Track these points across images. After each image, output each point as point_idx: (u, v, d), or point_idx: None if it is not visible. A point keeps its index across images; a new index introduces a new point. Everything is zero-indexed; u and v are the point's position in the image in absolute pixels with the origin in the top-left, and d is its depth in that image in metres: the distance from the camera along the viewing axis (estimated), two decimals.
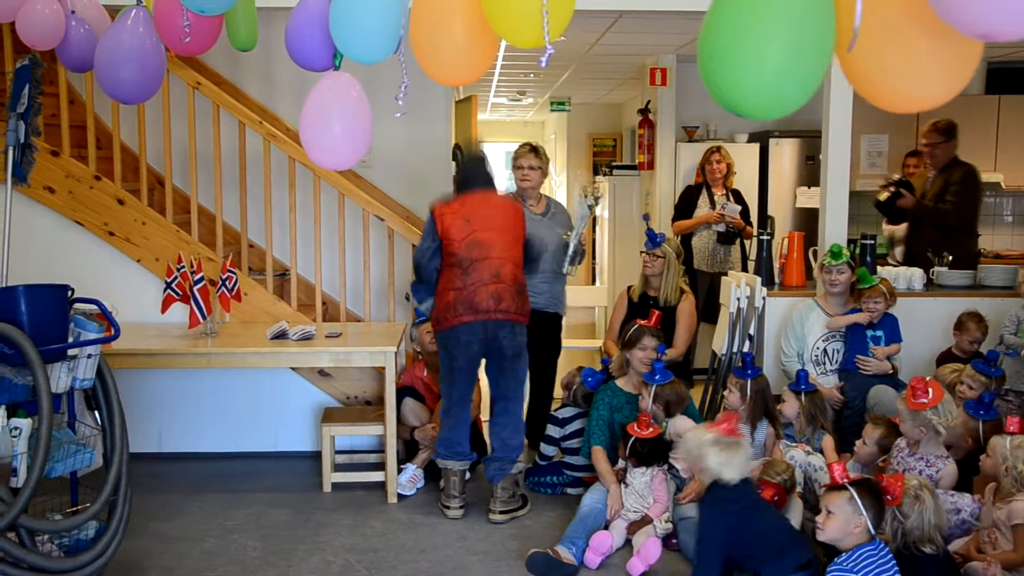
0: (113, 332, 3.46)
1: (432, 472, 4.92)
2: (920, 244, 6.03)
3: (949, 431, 3.65)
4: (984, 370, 4.39)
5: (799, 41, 1.71)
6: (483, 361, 4.60)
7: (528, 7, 2.27)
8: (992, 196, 8.17)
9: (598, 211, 5.44)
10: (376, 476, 4.94)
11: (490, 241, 4.45)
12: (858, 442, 3.95)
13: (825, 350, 5.03)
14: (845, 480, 3.18)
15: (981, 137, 7.74)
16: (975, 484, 3.72)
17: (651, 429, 4.21)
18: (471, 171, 4.66)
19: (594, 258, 9.46)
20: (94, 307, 3.50)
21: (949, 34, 1.61)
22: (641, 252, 5.37)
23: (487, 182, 4.64)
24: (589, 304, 8.61)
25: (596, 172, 11.04)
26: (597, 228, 9.24)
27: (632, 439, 4.21)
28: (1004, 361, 4.76)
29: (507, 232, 4.52)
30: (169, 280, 4.87)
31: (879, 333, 4.91)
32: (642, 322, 4.73)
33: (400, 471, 4.88)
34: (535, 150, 5.34)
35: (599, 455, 4.46)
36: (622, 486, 4.25)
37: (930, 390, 3.66)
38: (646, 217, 5.72)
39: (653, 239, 5.25)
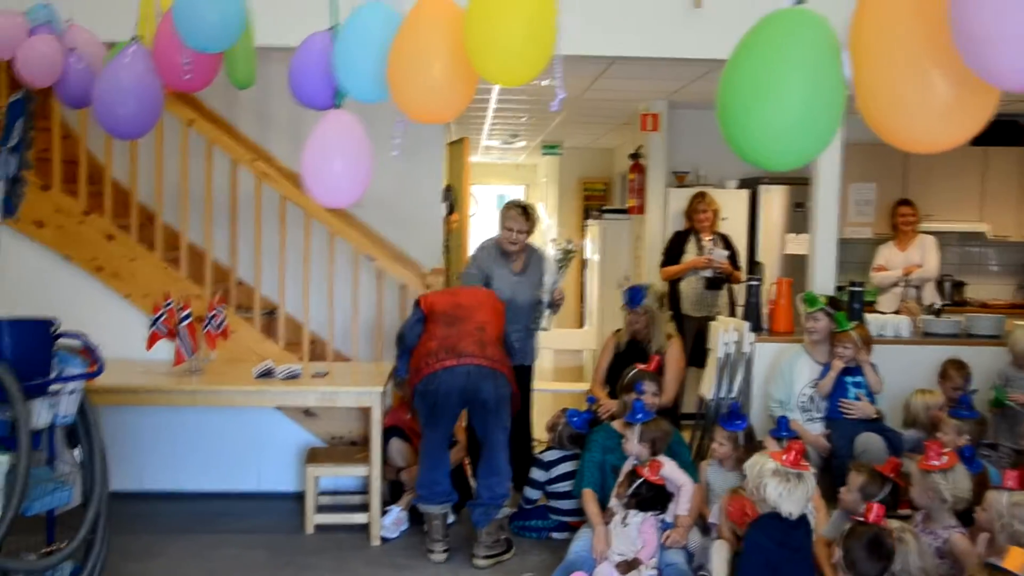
0: (97, 368, 3.43)
1: (417, 515, 4.86)
2: None
3: (957, 502, 3.62)
4: (955, 414, 4.41)
5: (815, 93, 1.74)
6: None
7: (508, 47, 2.30)
8: (978, 246, 8.24)
9: (569, 266, 5.46)
10: (360, 518, 4.87)
11: (473, 306, 4.65)
12: (842, 489, 3.93)
13: (812, 397, 5.01)
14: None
15: (968, 187, 7.83)
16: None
17: (659, 476, 4.17)
18: None
19: (583, 301, 9.47)
20: (78, 342, 3.47)
21: (967, 78, 1.62)
22: (622, 307, 5.37)
23: None
24: (577, 347, 8.60)
25: (587, 216, 11.09)
26: (586, 271, 9.26)
27: (640, 480, 4.15)
28: (990, 417, 4.79)
29: (488, 306, 4.74)
30: (156, 317, 4.85)
31: (859, 379, 4.91)
32: (641, 366, 4.72)
33: (384, 513, 4.82)
34: (526, 213, 5.32)
35: (588, 497, 4.42)
36: (614, 526, 4.20)
37: (944, 456, 3.65)
38: (621, 286, 5.71)
39: (633, 299, 5.24)
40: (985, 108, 1.72)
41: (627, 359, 5.21)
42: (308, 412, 5.38)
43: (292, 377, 4.85)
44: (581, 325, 9.73)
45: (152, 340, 4.86)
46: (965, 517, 3.71)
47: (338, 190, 2.83)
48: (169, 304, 4.85)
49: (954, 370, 5.01)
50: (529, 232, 5.33)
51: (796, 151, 1.73)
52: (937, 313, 6.16)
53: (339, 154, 2.80)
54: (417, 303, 4.74)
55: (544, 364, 9.22)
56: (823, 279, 5.55)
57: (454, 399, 4.47)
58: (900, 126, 1.72)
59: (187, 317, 4.82)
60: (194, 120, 5.33)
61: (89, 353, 3.44)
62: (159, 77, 3.45)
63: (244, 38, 3.38)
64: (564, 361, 9.39)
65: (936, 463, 3.59)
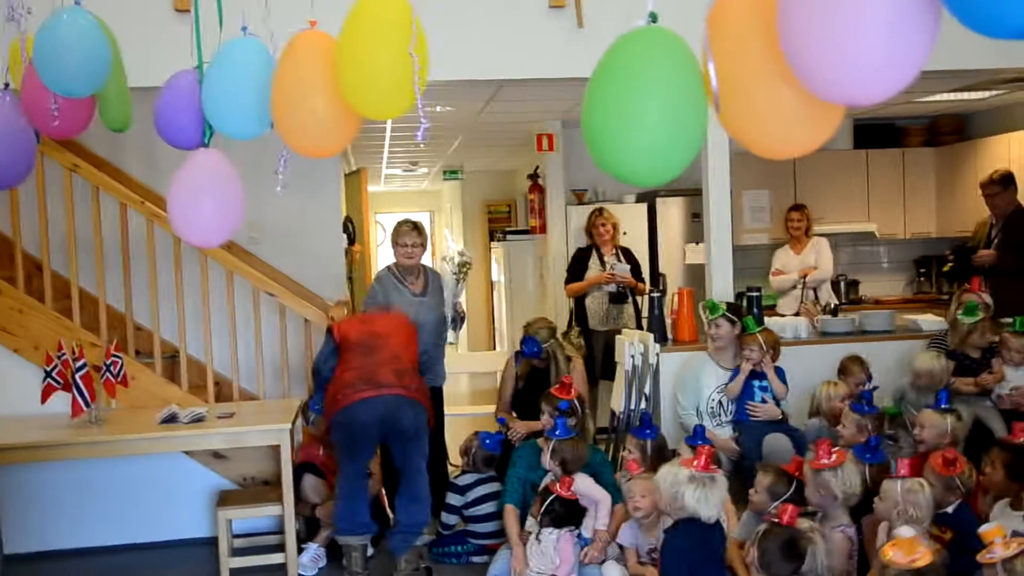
0: None
1: (335, 550, 4.80)
2: (1009, 292, 5.82)
3: (848, 498, 3.73)
4: (857, 409, 4.55)
5: (675, 110, 1.79)
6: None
7: (381, 82, 2.31)
8: (869, 245, 8.57)
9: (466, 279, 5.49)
10: (277, 558, 4.78)
11: (388, 333, 4.61)
12: (751, 491, 4.02)
13: (720, 402, 5.11)
14: None
15: (853, 189, 8.14)
16: (865, 525, 3.81)
17: (571, 491, 4.18)
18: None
19: (494, 323, 9.51)
20: None
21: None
22: (520, 361, 5.39)
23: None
24: (491, 369, 8.62)
25: (492, 238, 11.16)
26: (495, 293, 9.31)
27: (552, 496, 4.16)
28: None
29: (403, 331, 4.70)
30: (49, 368, 4.68)
31: (766, 383, 5.04)
32: (555, 390, 4.74)
33: (301, 551, 4.74)
34: (416, 228, 5.38)
35: (509, 514, 4.41)
36: (530, 545, 4.20)
37: (833, 455, 3.75)
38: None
39: (533, 352, 5.24)
40: (833, 115, 1.79)
41: (533, 386, 5.22)
42: (217, 455, 5.26)
43: (197, 420, 4.74)
44: (493, 347, 9.75)
45: (46, 393, 4.68)
46: (867, 508, 3.82)
47: (207, 229, 2.79)
48: (62, 355, 4.69)
49: (855, 365, 5.17)
50: (423, 245, 5.37)
51: (660, 168, 1.80)
52: (834, 312, 6.37)
53: (206, 193, 2.76)
54: (329, 331, 4.70)
55: (460, 388, 9.21)
56: (721, 286, 5.67)
57: (373, 430, 4.43)
58: (753, 135, 1.79)
59: (83, 367, 4.65)
60: (77, 166, 5.18)
61: None
62: (30, 124, 3.34)
63: (115, 80, 3.29)
64: (479, 384, 9.39)
65: (826, 461, 3.70)
